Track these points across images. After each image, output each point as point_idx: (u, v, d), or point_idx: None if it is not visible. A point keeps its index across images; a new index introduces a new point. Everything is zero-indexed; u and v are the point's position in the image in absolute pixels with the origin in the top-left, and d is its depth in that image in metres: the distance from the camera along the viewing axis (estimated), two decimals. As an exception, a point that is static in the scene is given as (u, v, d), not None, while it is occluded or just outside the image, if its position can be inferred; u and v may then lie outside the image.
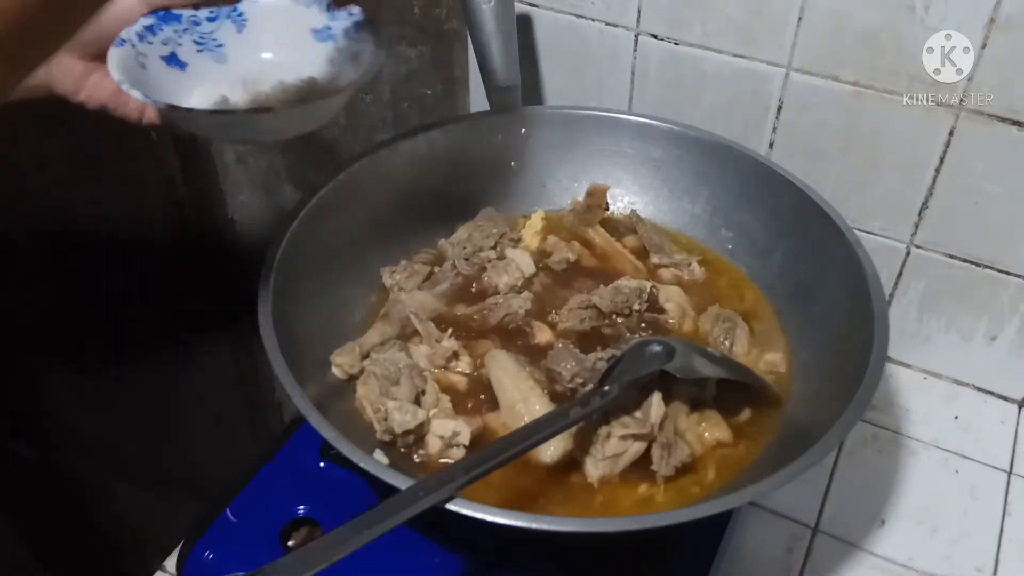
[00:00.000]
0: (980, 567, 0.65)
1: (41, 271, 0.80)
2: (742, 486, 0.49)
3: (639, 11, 0.75)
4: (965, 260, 0.73)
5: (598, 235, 0.75)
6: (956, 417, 0.76)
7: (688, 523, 0.46)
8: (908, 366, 0.81)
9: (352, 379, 0.62)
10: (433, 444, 0.58)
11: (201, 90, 0.50)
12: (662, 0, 0.73)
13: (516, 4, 0.76)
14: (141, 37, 0.47)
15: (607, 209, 0.76)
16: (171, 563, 0.63)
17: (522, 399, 0.60)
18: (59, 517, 0.87)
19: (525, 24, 0.81)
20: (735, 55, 0.73)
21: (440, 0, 0.87)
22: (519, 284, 0.71)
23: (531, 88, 0.84)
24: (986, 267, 0.72)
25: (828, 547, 0.66)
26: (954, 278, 0.74)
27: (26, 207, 0.78)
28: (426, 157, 0.74)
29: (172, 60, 0.49)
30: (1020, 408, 0.78)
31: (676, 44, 0.75)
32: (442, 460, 0.58)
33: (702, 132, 0.74)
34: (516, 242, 0.75)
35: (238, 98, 0.49)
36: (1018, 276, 0.71)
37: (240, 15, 0.51)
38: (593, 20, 0.78)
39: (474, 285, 0.71)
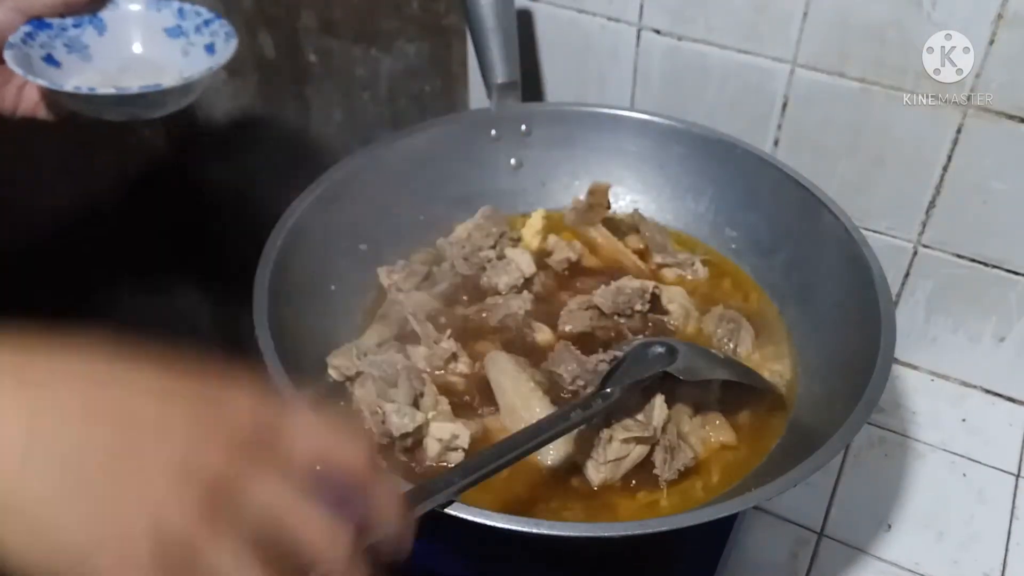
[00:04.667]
0: (988, 572, 0.64)
1: (33, 270, 0.79)
2: (747, 490, 0.49)
3: (641, 6, 0.74)
4: (973, 260, 0.72)
5: (600, 234, 0.74)
6: (964, 419, 0.76)
7: (692, 527, 0.45)
8: (915, 368, 0.80)
9: (349, 381, 0.61)
10: (432, 447, 0.57)
11: (76, 80, 0.60)
12: (665, -5, 0.72)
13: (516, -1, 0.75)
14: (24, 41, 0.58)
15: (609, 208, 0.75)
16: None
17: (522, 402, 0.59)
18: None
19: (525, 19, 0.80)
20: (739, 51, 0.72)
21: (439, -5, 0.86)
22: (519, 284, 0.69)
23: (531, 84, 0.84)
24: (994, 267, 0.71)
25: (834, 552, 0.65)
26: (962, 278, 0.73)
27: (18, 205, 0.77)
28: (424, 155, 0.73)
29: (49, 60, 0.60)
30: (1028, 410, 0.77)
31: (679, 39, 0.74)
32: (441, 463, 0.57)
33: (706, 129, 0.73)
34: (516, 241, 0.74)
35: (103, 88, 0.58)
36: (1027, 276, 0.71)
37: (100, 20, 0.63)
38: (594, 15, 0.77)
39: (473, 285, 0.70)
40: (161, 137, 0.64)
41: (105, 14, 0.63)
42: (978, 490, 0.70)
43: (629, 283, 0.66)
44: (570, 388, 0.60)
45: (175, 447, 0.29)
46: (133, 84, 0.56)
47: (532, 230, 0.75)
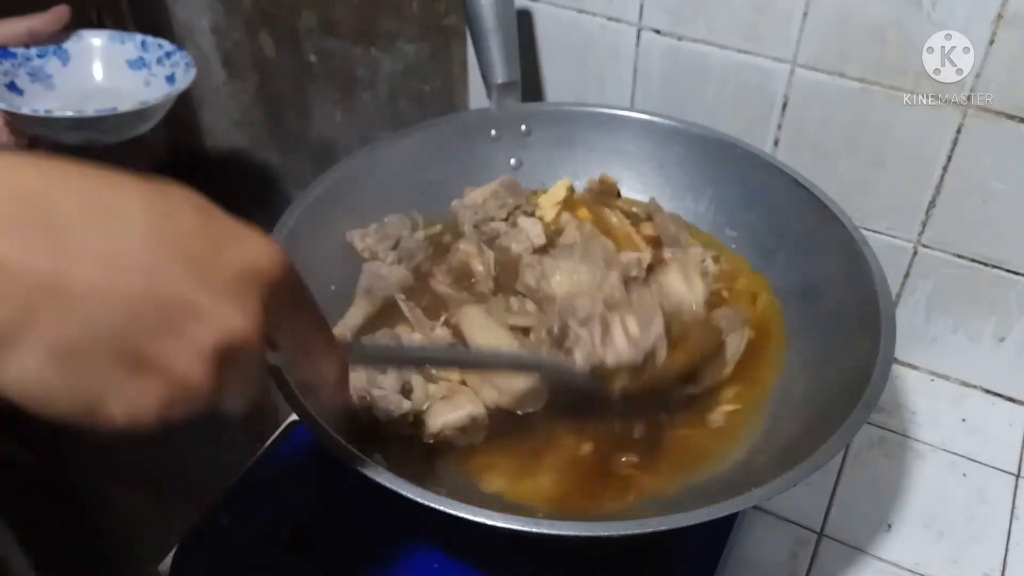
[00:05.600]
0: (987, 572, 0.64)
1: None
2: (747, 489, 0.48)
3: (641, 6, 0.74)
4: (973, 260, 0.72)
5: (614, 215, 0.73)
6: (964, 419, 0.76)
7: (692, 527, 0.45)
8: (915, 367, 0.80)
9: None
10: (459, 439, 0.57)
11: (32, 107, 0.61)
12: (665, -5, 0.72)
13: (516, -1, 0.75)
14: None
15: (619, 196, 0.75)
16: (166, 567, 0.62)
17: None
18: (53, 521, 0.86)
19: (525, 19, 0.80)
20: (739, 51, 0.72)
21: (439, -5, 0.86)
22: (528, 253, 0.69)
23: (531, 84, 0.84)
24: (994, 267, 0.71)
25: (834, 552, 0.65)
26: (962, 278, 0.73)
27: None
28: (424, 155, 0.73)
29: (12, 88, 0.62)
30: (1029, 410, 0.77)
31: (679, 39, 0.74)
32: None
33: (705, 129, 0.73)
34: (531, 214, 0.73)
35: (59, 111, 0.59)
36: (1027, 276, 0.71)
37: (65, 51, 0.65)
38: (595, 15, 0.77)
39: (447, 261, 0.69)
40: (162, 138, 0.64)
41: (69, 45, 0.65)
42: (978, 490, 0.70)
43: (625, 255, 0.66)
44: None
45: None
46: (91, 109, 0.58)
47: (552, 200, 0.75)
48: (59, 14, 0.63)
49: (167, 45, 0.66)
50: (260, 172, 1.03)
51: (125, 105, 0.57)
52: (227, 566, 0.58)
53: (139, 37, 0.66)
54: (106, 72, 0.66)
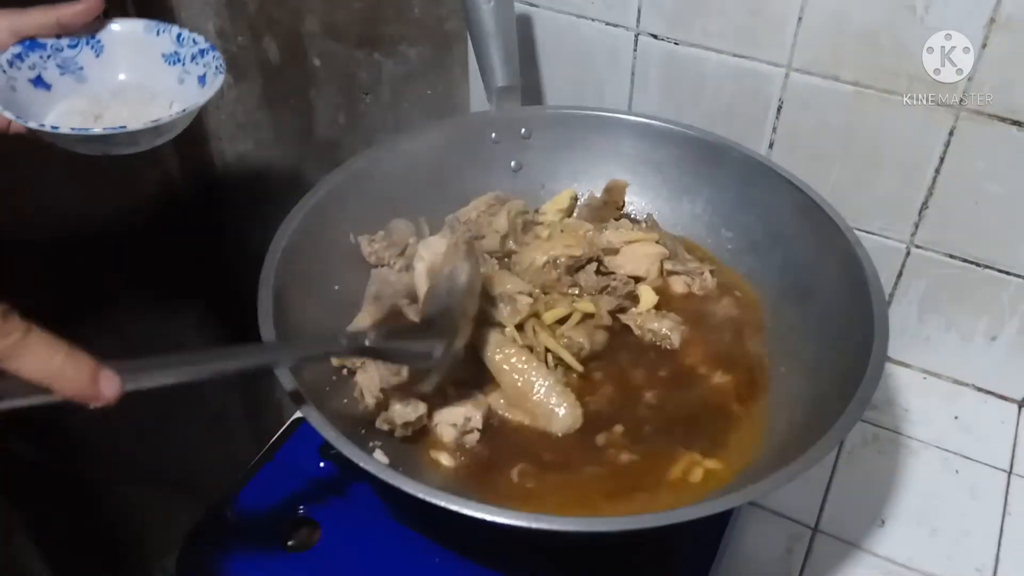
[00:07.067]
0: (980, 567, 0.65)
1: (38, 270, 0.79)
2: (742, 485, 0.49)
3: (639, 11, 0.75)
4: (965, 260, 0.73)
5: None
6: (956, 417, 0.76)
7: (688, 522, 0.46)
8: (908, 366, 0.81)
9: (347, 369, 0.62)
10: (447, 433, 0.58)
11: (65, 104, 0.59)
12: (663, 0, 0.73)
13: (516, 4, 0.76)
14: (11, 64, 0.56)
15: (622, 207, 0.76)
16: (170, 564, 0.62)
17: (523, 379, 0.60)
18: (59, 518, 0.87)
19: (525, 24, 0.81)
20: (735, 55, 0.73)
21: (440, 0, 0.87)
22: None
23: (531, 88, 0.84)
24: (986, 267, 0.72)
25: (828, 547, 0.66)
26: (954, 278, 0.74)
27: (23, 205, 0.77)
28: (426, 157, 0.74)
29: (38, 82, 0.58)
30: (1020, 408, 0.78)
31: (676, 44, 0.75)
32: (458, 447, 0.58)
33: (702, 132, 0.74)
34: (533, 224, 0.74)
35: (96, 112, 0.58)
36: (1018, 276, 0.71)
37: (98, 42, 0.61)
38: (593, 20, 0.78)
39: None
40: (167, 142, 0.64)
41: (103, 36, 0.62)
42: (970, 487, 0.71)
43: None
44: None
45: None
46: (123, 111, 0.56)
47: (555, 208, 0.76)
48: (91, 5, 0.58)
49: (201, 42, 0.62)
50: (265, 175, 1.04)
51: (136, 124, 0.55)
52: (231, 562, 0.59)
53: (175, 29, 0.62)
54: (141, 65, 0.62)
